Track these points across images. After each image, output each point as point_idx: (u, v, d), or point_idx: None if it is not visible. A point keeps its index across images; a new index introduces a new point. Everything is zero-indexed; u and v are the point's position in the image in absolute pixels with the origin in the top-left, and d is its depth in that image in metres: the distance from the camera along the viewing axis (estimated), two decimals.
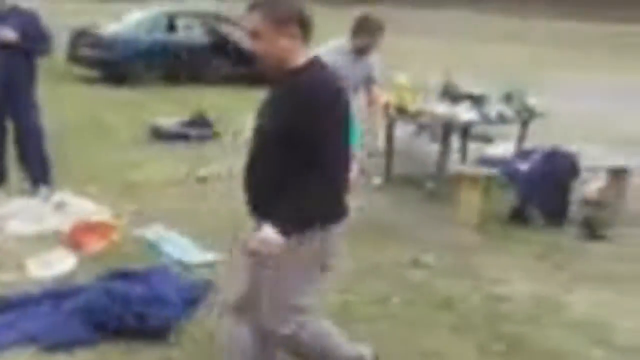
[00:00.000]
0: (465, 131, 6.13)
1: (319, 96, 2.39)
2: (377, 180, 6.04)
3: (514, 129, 6.37)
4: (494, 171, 5.27)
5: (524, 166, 5.18)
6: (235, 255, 2.81)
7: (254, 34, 2.42)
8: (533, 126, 6.28)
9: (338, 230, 2.51)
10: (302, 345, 2.58)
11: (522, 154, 5.36)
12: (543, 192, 5.03)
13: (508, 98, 5.84)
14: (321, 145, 2.37)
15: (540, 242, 4.91)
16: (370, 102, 4.98)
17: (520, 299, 3.99)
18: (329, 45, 4.61)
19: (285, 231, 2.36)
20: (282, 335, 2.54)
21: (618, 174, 5.43)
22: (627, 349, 3.47)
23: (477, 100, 5.74)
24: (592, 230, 5.02)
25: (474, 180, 5.21)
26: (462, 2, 29.74)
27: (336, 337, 2.67)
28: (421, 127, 6.30)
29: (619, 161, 5.52)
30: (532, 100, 5.87)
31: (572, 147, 5.55)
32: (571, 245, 4.90)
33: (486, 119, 5.77)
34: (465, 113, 5.65)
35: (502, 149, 5.75)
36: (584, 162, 5.28)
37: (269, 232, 2.37)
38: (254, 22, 2.41)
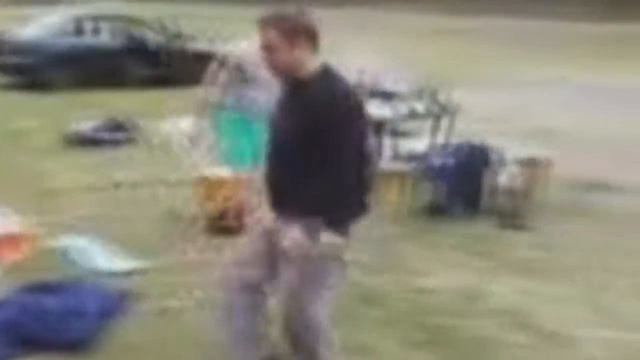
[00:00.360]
0: (379, 128, 6.18)
1: (342, 100, 2.61)
2: None
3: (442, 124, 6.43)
4: (410, 166, 5.34)
5: (438, 160, 5.28)
6: (250, 239, 2.92)
7: (269, 48, 2.64)
8: (454, 120, 6.39)
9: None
10: (311, 331, 2.71)
11: (437, 148, 5.46)
12: (458, 185, 5.15)
13: (420, 94, 5.95)
14: (345, 144, 2.59)
15: (459, 233, 5.02)
16: None
17: (443, 290, 4.06)
18: (244, 43, 4.55)
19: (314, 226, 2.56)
20: (307, 315, 2.67)
21: (532, 165, 5.62)
22: (548, 334, 3.57)
23: (389, 97, 5.82)
24: (509, 219, 5.18)
25: (391, 175, 5.28)
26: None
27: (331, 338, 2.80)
28: None
29: (532, 152, 5.71)
30: (444, 96, 6.00)
31: (487, 139, 5.70)
32: (489, 235, 5.04)
33: (397, 115, 5.86)
34: (376, 110, 5.70)
35: (420, 144, 5.84)
36: (499, 154, 5.45)
37: (298, 235, 2.59)
38: (268, 36, 2.63)
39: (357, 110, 2.68)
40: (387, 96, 6.03)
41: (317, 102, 2.59)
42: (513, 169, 5.28)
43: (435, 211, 5.37)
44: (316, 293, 2.69)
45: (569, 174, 6.30)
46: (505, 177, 5.19)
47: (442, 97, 5.99)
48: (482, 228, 5.15)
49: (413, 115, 5.94)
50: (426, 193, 5.49)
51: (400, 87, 6.07)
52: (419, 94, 6.03)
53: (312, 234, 2.59)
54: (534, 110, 10.06)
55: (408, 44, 18.01)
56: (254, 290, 2.81)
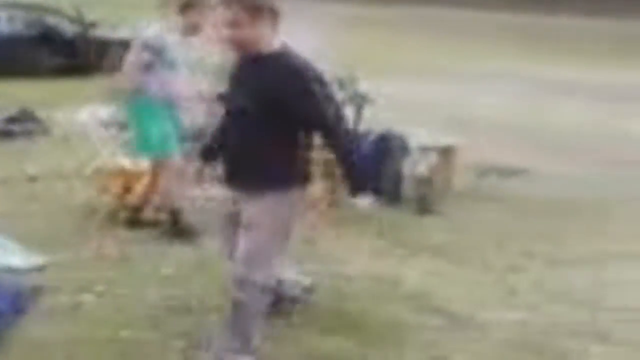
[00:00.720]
0: None
1: (305, 75, 2.75)
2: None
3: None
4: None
5: (358, 149, 5.35)
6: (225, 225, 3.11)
7: (233, 24, 2.74)
8: (375, 110, 6.45)
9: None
10: (255, 299, 2.87)
11: (359, 137, 5.51)
12: (378, 173, 5.24)
13: (341, 84, 5.99)
14: (306, 113, 2.75)
15: (379, 220, 5.11)
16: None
17: (362, 276, 4.13)
18: (155, 26, 4.45)
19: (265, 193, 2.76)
20: (252, 281, 2.83)
21: (446, 153, 5.78)
22: (460, 317, 3.68)
23: None
24: (424, 206, 5.32)
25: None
26: None
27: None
28: None
29: (446, 140, 5.87)
30: (364, 86, 6.06)
31: (405, 128, 5.82)
32: (407, 222, 5.16)
33: None
34: None
35: None
36: (416, 142, 5.57)
37: (256, 209, 2.79)
38: (233, 13, 2.73)
39: (319, 83, 2.78)
40: None
41: (279, 76, 2.73)
42: (428, 156, 5.41)
43: (356, 200, 5.44)
44: (266, 262, 2.86)
45: (485, 161, 6.53)
46: (420, 165, 5.32)
47: (362, 86, 6.05)
48: (401, 215, 5.27)
49: None
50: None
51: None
52: (340, 83, 6.07)
53: (270, 205, 2.78)
54: (454, 99, 10.33)
55: (328, 33, 18.06)
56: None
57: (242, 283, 2.84)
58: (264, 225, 2.80)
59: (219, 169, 3.08)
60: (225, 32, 2.79)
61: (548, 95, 11.06)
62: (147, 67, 4.39)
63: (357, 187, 2.94)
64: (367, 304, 3.76)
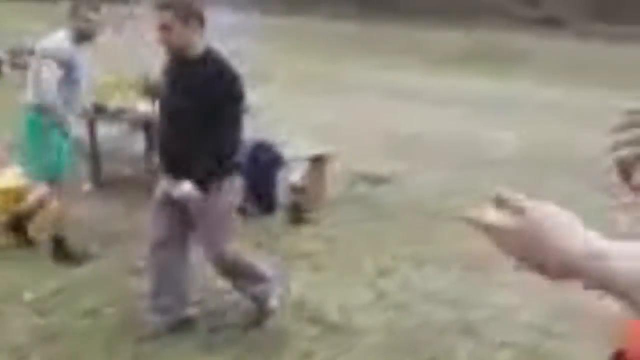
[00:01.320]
0: (148, 128, 6.06)
1: (233, 74, 3.17)
2: (86, 187, 5.73)
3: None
4: None
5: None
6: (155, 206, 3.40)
7: (165, 28, 3.09)
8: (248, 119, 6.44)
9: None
10: (237, 263, 3.42)
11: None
12: (253, 184, 5.23)
13: None
14: (234, 110, 3.17)
15: (256, 231, 5.11)
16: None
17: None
18: (58, 35, 4.23)
19: (206, 183, 3.15)
20: (223, 257, 3.35)
21: (319, 162, 5.87)
22: (334, 324, 3.77)
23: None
24: (299, 215, 5.38)
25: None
26: None
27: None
28: (134, 125, 6.12)
29: (317, 149, 5.96)
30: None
31: (278, 138, 5.85)
32: (281, 232, 5.19)
33: None
34: (144, 108, 5.63)
35: None
36: (289, 152, 5.62)
37: (188, 187, 3.13)
38: (165, 18, 3.09)
39: (239, 86, 3.19)
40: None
41: (207, 79, 3.11)
42: (299, 165, 5.48)
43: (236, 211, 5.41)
44: (223, 239, 3.35)
45: (355, 169, 6.71)
46: (292, 174, 5.37)
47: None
48: (275, 225, 5.30)
49: None
50: None
51: None
52: None
53: (206, 189, 3.16)
54: (325, 108, 10.51)
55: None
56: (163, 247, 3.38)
57: (218, 255, 3.35)
58: (212, 209, 3.24)
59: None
60: (159, 34, 3.12)
61: (408, 103, 11.57)
62: (62, 81, 4.17)
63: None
64: (244, 316, 3.75)
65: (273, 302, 3.63)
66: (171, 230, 3.37)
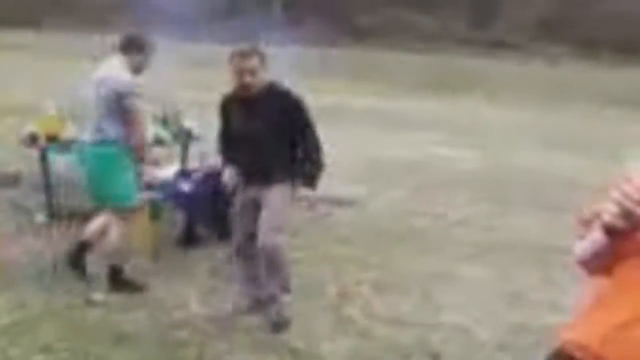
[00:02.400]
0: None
1: (296, 98, 3.95)
2: (39, 218, 5.58)
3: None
4: (157, 195, 5.25)
5: (186, 187, 5.25)
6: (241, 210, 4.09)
7: (252, 72, 3.81)
8: (202, 145, 6.37)
9: None
10: (284, 255, 3.99)
11: (184, 175, 5.42)
12: (208, 210, 5.17)
13: (164, 121, 5.87)
14: (306, 129, 3.95)
15: (212, 258, 5.03)
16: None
17: (197, 320, 4.03)
18: (114, 63, 4.24)
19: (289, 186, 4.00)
20: (278, 245, 3.92)
21: None
22: (296, 351, 3.70)
23: None
24: None
25: (139, 207, 5.14)
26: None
27: None
28: None
29: None
30: (188, 123, 5.99)
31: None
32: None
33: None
34: None
35: (168, 172, 5.74)
36: None
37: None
38: (253, 62, 3.81)
39: (304, 106, 3.95)
40: None
41: (283, 100, 3.91)
42: None
43: (189, 240, 5.33)
44: (280, 229, 3.97)
45: (316, 192, 6.68)
46: None
47: (187, 123, 5.97)
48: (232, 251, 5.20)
49: (159, 142, 5.84)
50: (178, 222, 5.43)
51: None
52: (163, 121, 5.94)
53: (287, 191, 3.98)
54: None
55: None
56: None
57: (274, 244, 3.89)
58: (281, 203, 3.95)
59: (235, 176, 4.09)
60: (247, 78, 3.80)
61: (366, 127, 11.65)
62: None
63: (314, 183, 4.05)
64: (204, 347, 3.67)
65: (288, 314, 4.03)
66: (255, 226, 3.96)
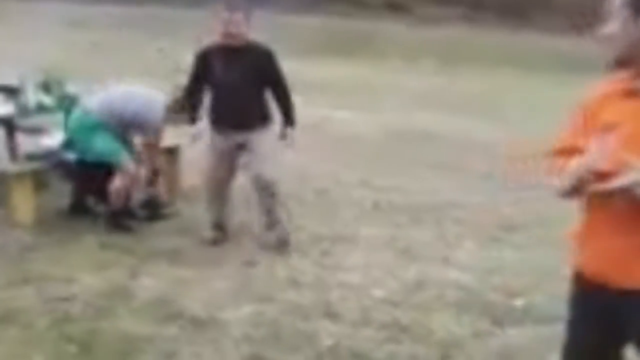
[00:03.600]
0: (9, 125, 5.61)
1: (273, 55, 4.56)
2: None
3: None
4: (44, 165, 4.97)
5: (72, 155, 4.99)
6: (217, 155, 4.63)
7: (237, 24, 4.39)
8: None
9: None
10: (275, 187, 4.59)
11: (69, 143, 5.13)
12: (98, 179, 4.93)
13: (46, 87, 5.54)
14: (280, 80, 4.58)
15: (102, 230, 4.84)
16: None
17: (88, 294, 3.87)
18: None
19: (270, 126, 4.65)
20: (274, 178, 4.56)
21: (171, 153, 5.66)
22: (198, 321, 3.63)
23: (12, 92, 5.34)
24: (154, 210, 5.15)
25: (20, 177, 4.85)
26: None
27: None
28: None
29: (170, 140, 5.75)
30: (72, 88, 5.68)
31: None
32: (136, 228, 4.95)
33: (24, 111, 5.41)
34: (2, 107, 5.20)
35: (52, 140, 5.41)
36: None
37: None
38: (237, 16, 4.39)
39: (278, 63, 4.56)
40: (10, 91, 5.51)
41: (256, 59, 4.48)
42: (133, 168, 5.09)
43: (77, 211, 5.09)
44: (275, 165, 4.62)
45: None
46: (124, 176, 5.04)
47: (71, 90, 5.66)
48: (130, 221, 5.03)
49: (42, 109, 5.52)
50: (65, 192, 5.17)
51: (17, 80, 5.58)
52: (45, 87, 5.60)
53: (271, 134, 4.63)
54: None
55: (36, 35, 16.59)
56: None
57: (272, 177, 4.54)
58: (269, 145, 4.58)
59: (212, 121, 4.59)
60: (232, 28, 4.36)
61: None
62: None
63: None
64: (97, 323, 3.53)
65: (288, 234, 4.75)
66: (231, 170, 4.69)
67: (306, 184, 6.32)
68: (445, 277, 4.33)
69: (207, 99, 4.67)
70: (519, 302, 3.99)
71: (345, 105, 10.77)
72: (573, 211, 2.04)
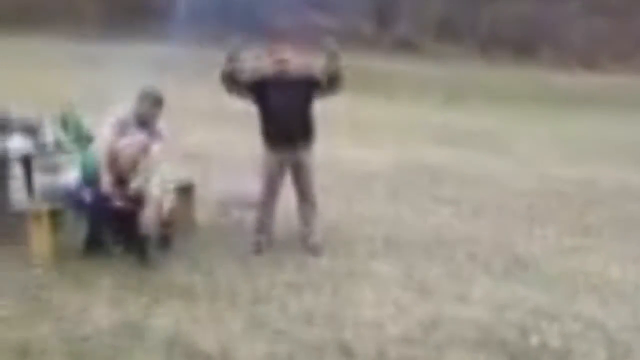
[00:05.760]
0: (27, 163, 5.68)
1: (316, 77, 5.24)
2: None
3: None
4: (61, 203, 5.02)
5: (89, 194, 5.03)
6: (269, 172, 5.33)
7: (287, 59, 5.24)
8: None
9: None
10: (316, 207, 5.50)
11: (87, 182, 5.18)
12: (112, 219, 4.97)
13: (64, 124, 5.63)
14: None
15: (120, 268, 4.86)
16: None
17: (103, 332, 3.88)
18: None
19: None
20: (313, 199, 5.46)
21: (185, 191, 5.70)
22: (212, 356, 3.63)
23: (31, 130, 5.43)
24: (168, 247, 5.17)
25: (38, 215, 4.91)
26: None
27: None
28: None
29: (185, 178, 5.80)
30: (87, 123, 5.75)
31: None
32: (151, 265, 4.96)
33: (42, 149, 5.51)
34: (19, 144, 5.33)
35: (69, 178, 5.47)
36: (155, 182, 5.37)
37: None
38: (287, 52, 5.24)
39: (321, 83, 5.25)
40: (28, 128, 5.58)
41: (303, 84, 5.22)
42: (160, 195, 5.14)
43: (93, 249, 5.12)
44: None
45: (222, 195, 6.60)
46: (165, 207, 5.06)
47: (86, 127, 5.73)
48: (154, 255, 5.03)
49: (60, 147, 5.60)
50: (81, 231, 5.21)
51: (33, 118, 5.68)
52: (63, 125, 5.69)
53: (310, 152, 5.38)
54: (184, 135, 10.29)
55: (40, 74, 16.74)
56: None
57: (313, 200, 5.45)
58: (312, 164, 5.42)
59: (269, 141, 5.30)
60: (285, 62, 5.17)
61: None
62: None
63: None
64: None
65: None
66: (279, 188, 5.37)
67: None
68: (459, 314, 4.31)
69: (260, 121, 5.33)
70: (534, 340, 3.96)
71: (357, 142, 10.83)
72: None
